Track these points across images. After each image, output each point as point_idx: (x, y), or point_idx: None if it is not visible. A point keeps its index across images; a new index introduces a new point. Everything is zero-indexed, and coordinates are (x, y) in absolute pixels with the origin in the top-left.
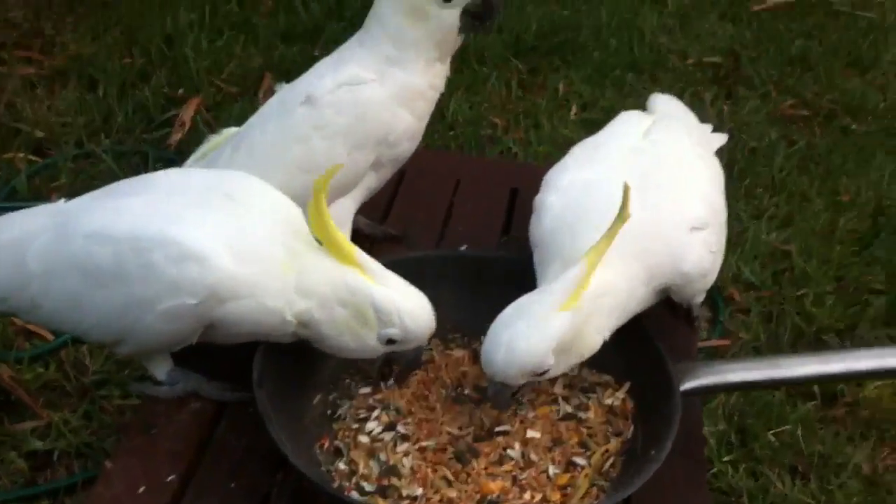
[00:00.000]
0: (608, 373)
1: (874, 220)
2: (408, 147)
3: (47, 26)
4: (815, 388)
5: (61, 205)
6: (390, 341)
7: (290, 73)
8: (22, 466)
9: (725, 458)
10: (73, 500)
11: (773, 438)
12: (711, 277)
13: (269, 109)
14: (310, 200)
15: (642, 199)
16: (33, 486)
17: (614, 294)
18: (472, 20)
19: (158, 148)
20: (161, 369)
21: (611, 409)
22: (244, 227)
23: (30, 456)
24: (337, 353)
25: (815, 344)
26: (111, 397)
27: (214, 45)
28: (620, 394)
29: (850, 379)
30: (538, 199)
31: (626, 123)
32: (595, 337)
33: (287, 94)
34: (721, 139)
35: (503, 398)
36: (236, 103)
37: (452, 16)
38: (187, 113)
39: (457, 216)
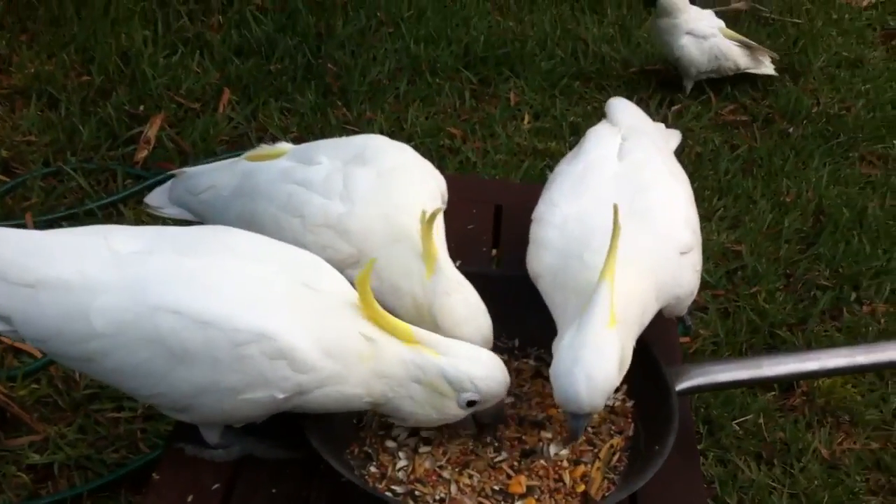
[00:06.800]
0: None
1: (816, 219)
2: None
3: (1, 45)
4: None
5: (112, 242)
6: (470, 403)
7: (248, 87)
8: (24, 480)
9: None
10: None
11: (737, 427)
12: (696, 293)
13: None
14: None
15: (638, 226)
16: (36, 498)
17: (637, 302)
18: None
19: (125, 165)
20: (214, 433)
21: (612, 410)
22: (326, 320)
23: (30, 470)
24: (419, 426)
25: (770, 338)
26: (103, 410)
27: (170, 61)
28: (620, 395)
29: (825, 376)
30: (535, 233)
31: (599, 144)
32: (630, 347)
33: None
34: (676, 136)
35: (581, 430)
36: (198, 119)
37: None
38: (152, 130)
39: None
